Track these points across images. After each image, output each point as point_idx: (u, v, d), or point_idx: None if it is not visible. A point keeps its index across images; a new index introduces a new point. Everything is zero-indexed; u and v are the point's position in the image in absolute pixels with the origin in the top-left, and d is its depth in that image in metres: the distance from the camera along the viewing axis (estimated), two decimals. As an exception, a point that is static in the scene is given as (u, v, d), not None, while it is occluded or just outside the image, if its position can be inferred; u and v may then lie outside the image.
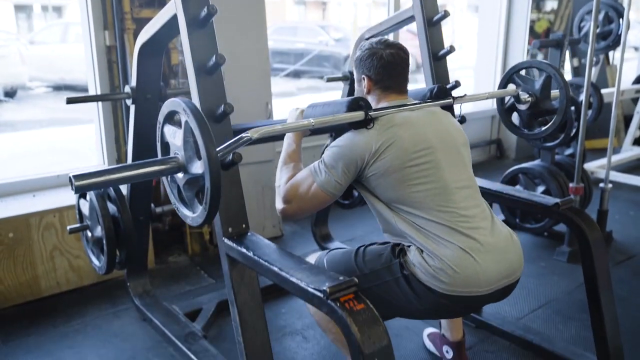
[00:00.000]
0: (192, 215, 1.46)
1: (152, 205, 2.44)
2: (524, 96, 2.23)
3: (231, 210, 1.64)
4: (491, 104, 5.48)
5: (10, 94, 6.34)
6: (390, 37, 4.30)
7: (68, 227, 2.11)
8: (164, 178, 1.51)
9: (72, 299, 2.70)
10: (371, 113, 1.68)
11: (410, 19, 2.52)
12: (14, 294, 2.59)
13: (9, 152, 4.94)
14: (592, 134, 5.10)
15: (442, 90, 1.94)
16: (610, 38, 4.24)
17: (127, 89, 2.21)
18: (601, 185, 3.25)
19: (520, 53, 5.22)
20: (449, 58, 2.42)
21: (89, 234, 2.25)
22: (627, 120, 5.49)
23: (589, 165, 4.39)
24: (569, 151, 3.83)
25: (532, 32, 5.23)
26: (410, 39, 7.86)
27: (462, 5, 9.64)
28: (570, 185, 3.18)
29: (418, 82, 7.99)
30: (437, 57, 2.40)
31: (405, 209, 1.68)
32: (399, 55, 1.78)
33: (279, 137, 1.86)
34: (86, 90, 3.09)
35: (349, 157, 1.67)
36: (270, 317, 2.51)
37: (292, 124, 1.65)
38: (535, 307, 2.63)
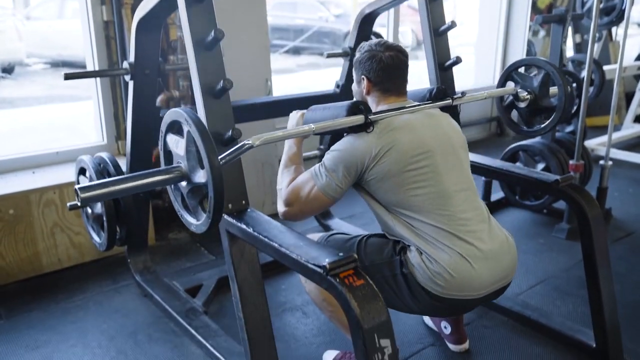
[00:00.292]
0: (196, 222, 1.50)
1: (152, 182, 2.44)
2: (523, 94, 2.24)
3: (231, 187, 1.64)
4: (492, 81, 5.45)
5: (7, 70, 6.29)
6: (392, 11, 4.26)
7: (68, 204, 2.11)
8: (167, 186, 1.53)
9: (73, 275, 2.72)
10: (371, 117, 1.70)
11: (412, -6, 2.49)
12: (16, 270, 2.61)
13: (8, 128, 4.92)
14: (593, 111, 5.07)
15: (441, 91, 1.96)
16: (614, 14, 4.20)
17: (125, 64, 2.19)
18: (601, 162, 3.25)
19: (522, 29, 5.16)
20: (449, 34, 2.40)
21: (89, 210, 2.26)
22: (629, 97, 5.46)
23: (590, 143, 4.38)
24: (569, 128, 3.82)
25: (535, 8, 5.16)
26: (411, 15, 7.79)
27: (463, -20, 9.50)
28: (570, 162, 3.17)
29: (419, 58, 7.94)
30: (438, 33, 2.37)
31: (404, 213, 1.70)
32: (398, 57, 1.79)
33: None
34: (84, 67, 3.07)
35: (349, 161, 1.69)
36: (270, 293, 2.53)
37: (294, 130, 1.68)
38: (534, 283, 2.64)
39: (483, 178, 3.49)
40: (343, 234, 1.95)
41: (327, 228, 3.13)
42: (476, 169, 2.30)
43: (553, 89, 2.24)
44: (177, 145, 1.48)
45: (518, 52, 5.25)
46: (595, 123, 5.35)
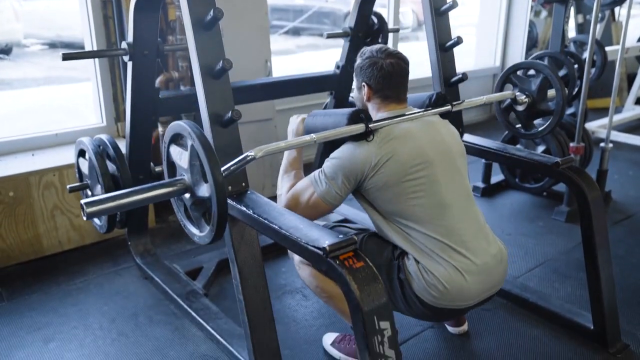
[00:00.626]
0: (199, 234, 1.52)
1: (152, 164, 2.43)
2: (521, 97, 2.26)
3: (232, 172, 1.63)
4: (492, 63, 5.42)
5: (5, 51, 6.24)
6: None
7: (68, 186, 2.10)
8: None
9: (74, 257, 2.73)
10: (371, 125, 1.70)
11: (413, -26, 2.45)
12: (17, 252, 2.61)
13: (7, 110, 4.90)
14: (594, 92, 5.05)
15: (440, 97, 1.97)
16: (617, -6, 4.15)
17: (123, 45, 2.17)
18: (602, 145, 3.24)
19: (524, 10, 5.11)
20: (450, 14, 2.37)
21: (89, 192, 2.25)
22: (631, 79, 5.42)
23: (590, 125, 4.37)
24: (570, 110, 3.80)
25: (537, -12, 5.12)
26: (412, -5, 7.71)
27: (465, -40, 9.39)
28: (571, 144, 3.16)
29: (420, 39, 7.87)
30: (439, 13, 2.34)
31: (402, 222, 1.72)
32: (399, 65, 1.80)
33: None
34: (83, 48, 3.04)
35: (349, 169, 1.70)
36: (271, 275, 2.54)
37: (295, 141, 1.69)
38: (533, 266, 2.65)
39: (483, 160, 3.49)
40: (345, 226, 1.97)
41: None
42: (476, 151, 2.30)
43: (551, 92, 2.26)
44: (180, 157, 1.49)
45: (520, 33, 5.20)
46: (596, 105, 5.32)
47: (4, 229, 2.56)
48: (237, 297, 1.71)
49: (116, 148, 2.13)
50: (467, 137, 2.34)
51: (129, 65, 2.21)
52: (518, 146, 3.40)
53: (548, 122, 2.29)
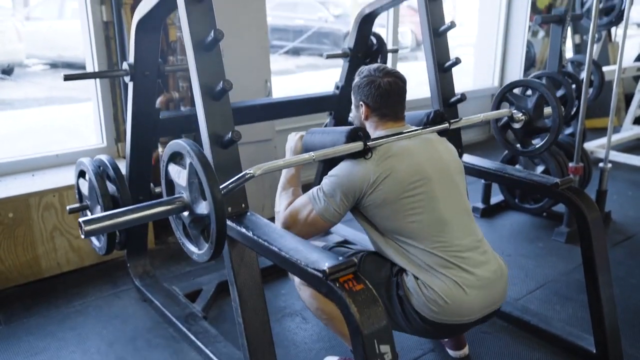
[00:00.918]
0: (197, 252, 1.51)
1: (152, 184, 2.43)
2: (518, 115, 2.28)
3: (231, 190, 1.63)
4: (491, 82, 5.45)
5: (7, 71, 6.28)
6: (391, 12, 4.26)
7: (68, 207, 2.10)
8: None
9: (73, 279, 2.71)
10: (369, 143, 1.71)
11: (411, -5, 2.49)
12: (15, 274, 2.60)
13: (7, 130, 4.91)
14: (592, 112, 5.07)
15: (438, 115, 1.97)
16: (613, 14, 4.19)
17: (125, 65, 2.18)
18: (600, 165, 3.24)
19: (521, 30, 5.16)
20: (449, 35, 2.39)
21: (89, 214, 2.25)
22: (628, 98, 5.45)
23: (589, 145, 4.38)
24: (568, 130, 3.81)
25: (534, 8, 5.16)
26: (411, 15, 7.79)
27: (463, -19, 9.50)
28: (570, 164, 3.17)
29: (419, 59, 7.93)
30: (438, 33, 2.37)
31: (401, 239, 1.73)
32: (397, 83, 1.81)
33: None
34: (84, 68, 3.06)
35: (347, 187, 1.71)
36: (270, 298, 2.52)
37: (294, 159, 1.70)
38: (533, 288, 2.64)
39: (482, 181, 3.49)
40: (343, 247, 1.97)
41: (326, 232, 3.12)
42: (475, 171, 2.30)
43: (547, 110, 2.27)
44: (179, 175, 1.49)
45: (517, 53, 5.24)
46: (595, 125, 5.34)
47: (3, 251, 2.54)
48: (237, 319, 1.69)
49: (116, 169, 2.13)
50: (466, 158, 2.34)
51: (130, 85, 2.23)
52: (517, 166, 3.41)
53: (545, 140, 2.29)
